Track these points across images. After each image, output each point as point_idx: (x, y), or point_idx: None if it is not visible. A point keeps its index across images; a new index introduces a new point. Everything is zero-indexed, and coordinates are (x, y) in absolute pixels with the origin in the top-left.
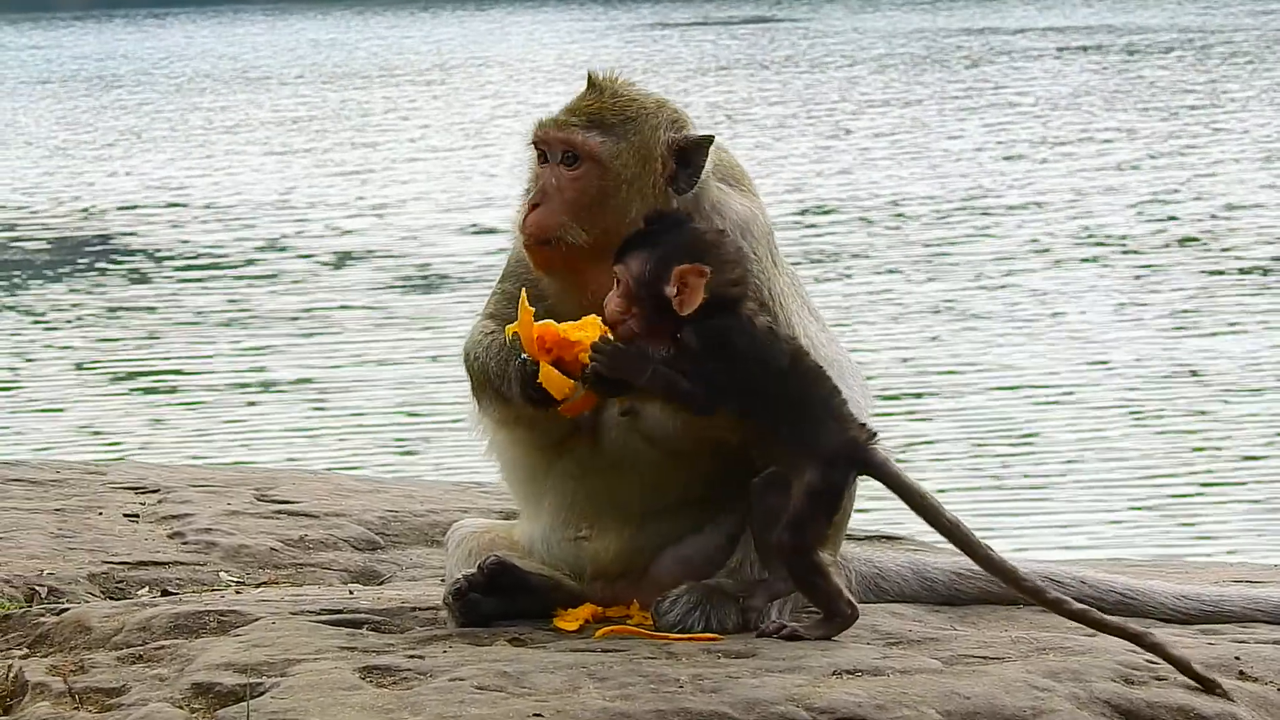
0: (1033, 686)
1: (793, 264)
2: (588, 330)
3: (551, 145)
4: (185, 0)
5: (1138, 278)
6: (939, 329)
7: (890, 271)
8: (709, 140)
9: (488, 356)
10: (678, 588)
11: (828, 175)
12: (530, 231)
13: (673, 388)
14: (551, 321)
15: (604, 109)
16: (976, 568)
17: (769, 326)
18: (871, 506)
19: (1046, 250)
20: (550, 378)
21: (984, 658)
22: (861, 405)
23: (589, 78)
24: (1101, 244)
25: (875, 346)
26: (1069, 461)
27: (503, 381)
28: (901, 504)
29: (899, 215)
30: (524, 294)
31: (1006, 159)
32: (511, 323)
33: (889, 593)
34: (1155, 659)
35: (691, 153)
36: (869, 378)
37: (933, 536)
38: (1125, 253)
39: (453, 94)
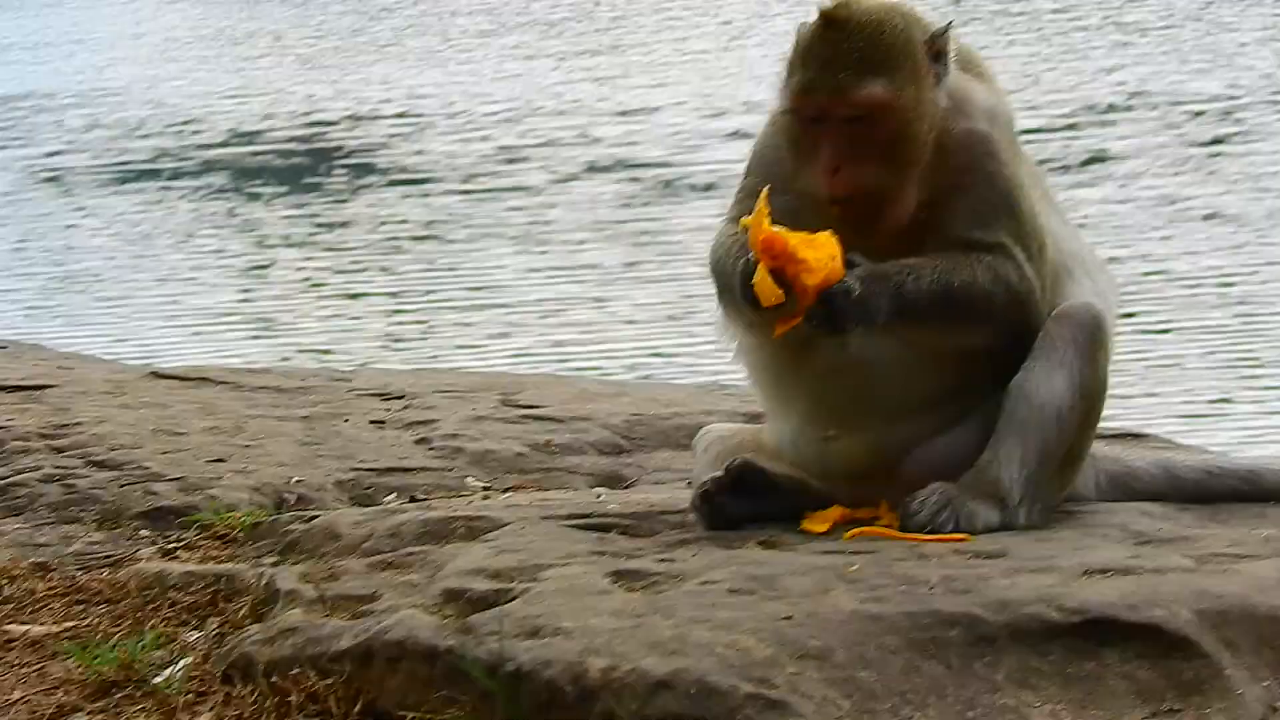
0: None
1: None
2: (818, 249)
3: (830, 113)
4: None
5: None
6: (1208, 235)
7: (1158, 175)
8: (950, 25)
9: (727, 257)
10: (926, 488)
11: (1091, 74)
12: (845, 192)
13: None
14: (784, 230)
15: (864, 51)
16: (1227, 465)
17: None
18: (1117, 407)
19: None
20: (763, 285)
21: (1236, 555)
22: (1110, 298)
23: (822, 16)
24: None
25: (1135, 251)
26: None
27: (732, 278)
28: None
29: (1177, 112)
30: (764, 192)
31: None
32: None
33: (1138, 491)
34: None
35: (944, 45)
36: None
37: (1179, 435)
38: None
39: None
